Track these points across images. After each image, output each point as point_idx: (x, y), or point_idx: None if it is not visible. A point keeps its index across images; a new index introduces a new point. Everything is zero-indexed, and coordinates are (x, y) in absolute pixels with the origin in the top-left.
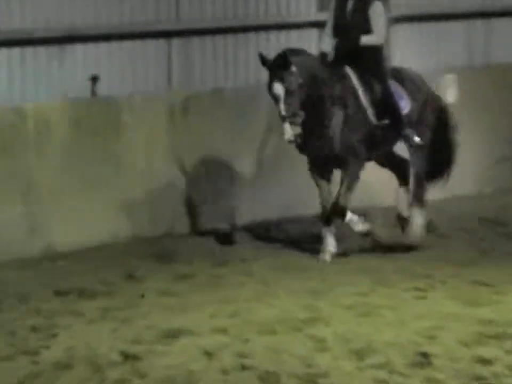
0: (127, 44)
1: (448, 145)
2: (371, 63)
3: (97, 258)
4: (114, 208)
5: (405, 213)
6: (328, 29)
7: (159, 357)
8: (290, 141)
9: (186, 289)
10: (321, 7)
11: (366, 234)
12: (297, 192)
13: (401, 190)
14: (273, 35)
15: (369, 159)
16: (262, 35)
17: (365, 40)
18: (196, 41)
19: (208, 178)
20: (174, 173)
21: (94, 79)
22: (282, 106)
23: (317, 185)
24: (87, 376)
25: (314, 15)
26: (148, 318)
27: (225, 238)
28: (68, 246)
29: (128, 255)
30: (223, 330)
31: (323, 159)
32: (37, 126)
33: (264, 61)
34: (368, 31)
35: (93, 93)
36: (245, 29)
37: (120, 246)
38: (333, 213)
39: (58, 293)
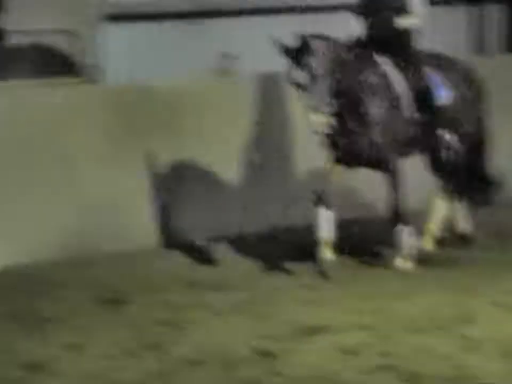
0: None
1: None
2: (404, 48)
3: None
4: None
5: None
6: (357, 8)
7: (295, 354)
8: (319, 133)
9: (324, 283)
10: None
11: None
12: None
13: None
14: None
15: (403, 156)
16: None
17: (401, 21)
18: None
19: None
20: None
21: (230, 57)
22: (307, 95)
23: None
24: (218, 374)
25: None
26: (284, 313)
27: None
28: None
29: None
30: (364, 328)
31: (353, 157)
32: (168, 105)
33: (282, 47)
34: (403, 10)
35: (228, 70)
36: None
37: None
38: (395, 221)
39: (190, 285)
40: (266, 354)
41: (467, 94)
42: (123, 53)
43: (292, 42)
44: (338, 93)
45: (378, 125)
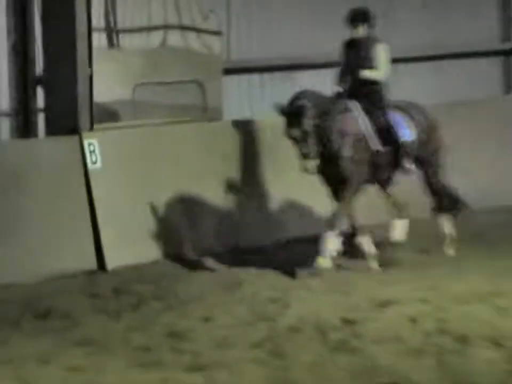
0: None
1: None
2: (372, 96)
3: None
4: None
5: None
6: (340, 71)
7: (372, 322)
8: (311, 174)
9: (392, 268)
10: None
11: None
12: None
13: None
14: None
15: (370, 183)
16: None
17: (367, 74)
18: None
19: None
20: None
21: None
22: (301, 146)
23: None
24: (314, 338)
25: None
26: (363, 291)
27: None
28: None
29: None
30: (425, 301)
31: (335, 183)
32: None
33: (280, 109)
34: (369, 65)
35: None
36: None
37: None
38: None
39: (290, 274)
40: (350, 322)
41: (424, 134)
42: (236, 98)
43: (286, 102)
44: (321, 139)
45: (345, 158)
